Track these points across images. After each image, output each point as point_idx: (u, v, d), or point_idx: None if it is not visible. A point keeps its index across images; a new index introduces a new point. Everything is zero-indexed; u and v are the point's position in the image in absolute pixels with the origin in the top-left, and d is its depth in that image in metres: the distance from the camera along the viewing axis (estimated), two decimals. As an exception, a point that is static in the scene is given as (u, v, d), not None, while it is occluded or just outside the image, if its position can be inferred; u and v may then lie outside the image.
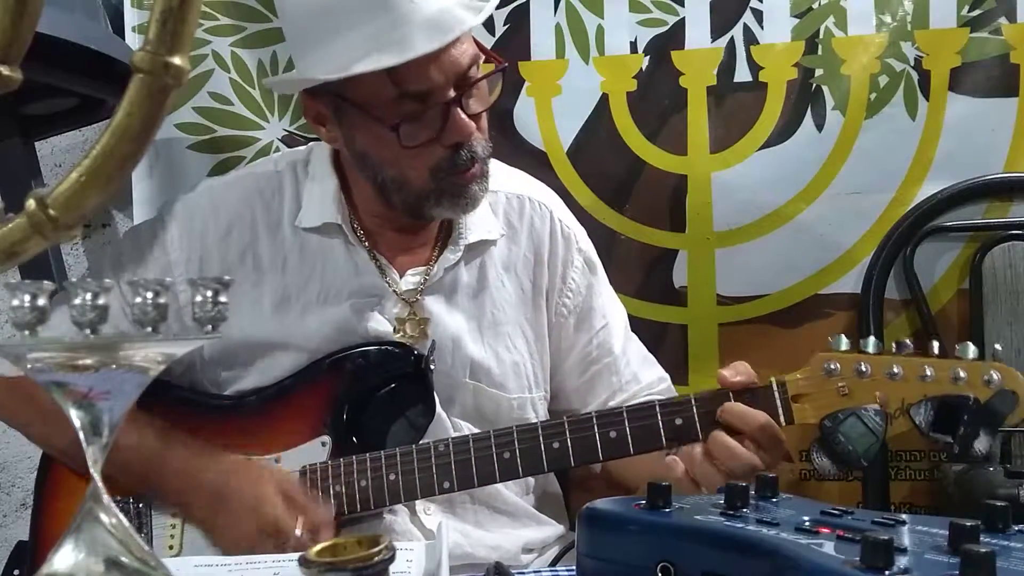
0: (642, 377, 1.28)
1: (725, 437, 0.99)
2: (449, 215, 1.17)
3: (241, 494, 1.07)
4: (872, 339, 0.98)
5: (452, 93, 1.06)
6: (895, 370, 0.95)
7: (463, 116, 1.06)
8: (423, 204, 1.12)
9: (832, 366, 0.98)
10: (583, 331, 1.26)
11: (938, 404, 0.93)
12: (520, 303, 1.23)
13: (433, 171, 1.09)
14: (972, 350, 0.94)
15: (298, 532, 1.04)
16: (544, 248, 1.25)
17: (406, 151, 1.07)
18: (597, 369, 1.27)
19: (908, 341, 0.97)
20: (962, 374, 0.93)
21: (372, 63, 1.01)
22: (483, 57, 1.10)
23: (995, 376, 0.92)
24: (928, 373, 0.94)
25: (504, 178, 1.28)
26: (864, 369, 0.96)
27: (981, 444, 0.92)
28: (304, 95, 1.13)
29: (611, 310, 1.30)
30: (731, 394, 1.01)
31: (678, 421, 1.02)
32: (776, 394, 1.00)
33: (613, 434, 1.04)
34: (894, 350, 0.96)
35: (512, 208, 1.25)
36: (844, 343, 0.98)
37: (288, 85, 1.24)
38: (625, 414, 1.05)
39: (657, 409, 1.04)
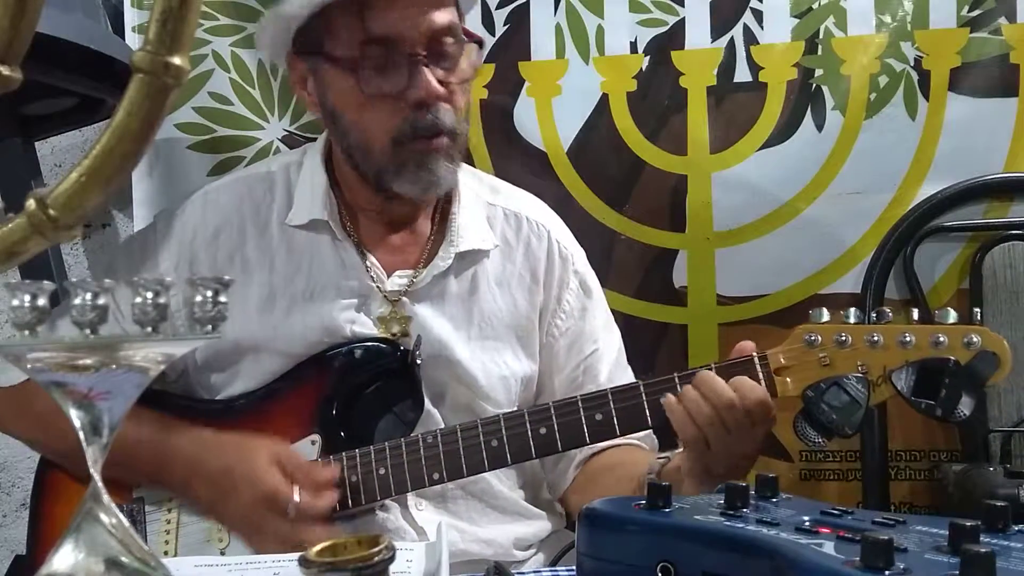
0: None
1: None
2: (411, 191, 1.13)
3: (238, 470, 1.07)
4: (853, 310, 0.97)
5: (423, 52, 1.07)
6: (875, 338, 0.95)
7: (430, 76, 1.07)
8: (385, 175, 1.12)
9: (812, 337, 0.98)
10: (572, 354, 1.25)
11: (919, 368, 0.93)
12: (512, 320, 1.21)
13: (395, 139, 1.09)
14: (952, 315, 0.93)
15: (296, 498, 1.04)
16: (540, 268, 1.23)
17: (369, 108, 1.07)
18: None
19: (888, 310, 0.96)
20: (942, 338, 0.93)
21: None
22: (462, 36, 1.11)
23: (975, 338, 0.92)
24: (908, 339, 0.94)
25: (503, 194, 1.28)
26: (844, 339, 0.96)
27: (964, 406, 0.91)
28: (291, 56, 1.14)
29: (603, 336, 1.27)
30: (714, 369, 1.01)
31: (662, 400, 1.02)
32: (758, 368, 1.00)
33: (599, 417, 1.05)
34: (875, 319, 0.96)
35: (509, 225, 1.24)
36: (824, 315, 0.98)
37: (269, 29, 1.16)
38: (610, 395, 1.05)
39: (642, 389, 1.04)
